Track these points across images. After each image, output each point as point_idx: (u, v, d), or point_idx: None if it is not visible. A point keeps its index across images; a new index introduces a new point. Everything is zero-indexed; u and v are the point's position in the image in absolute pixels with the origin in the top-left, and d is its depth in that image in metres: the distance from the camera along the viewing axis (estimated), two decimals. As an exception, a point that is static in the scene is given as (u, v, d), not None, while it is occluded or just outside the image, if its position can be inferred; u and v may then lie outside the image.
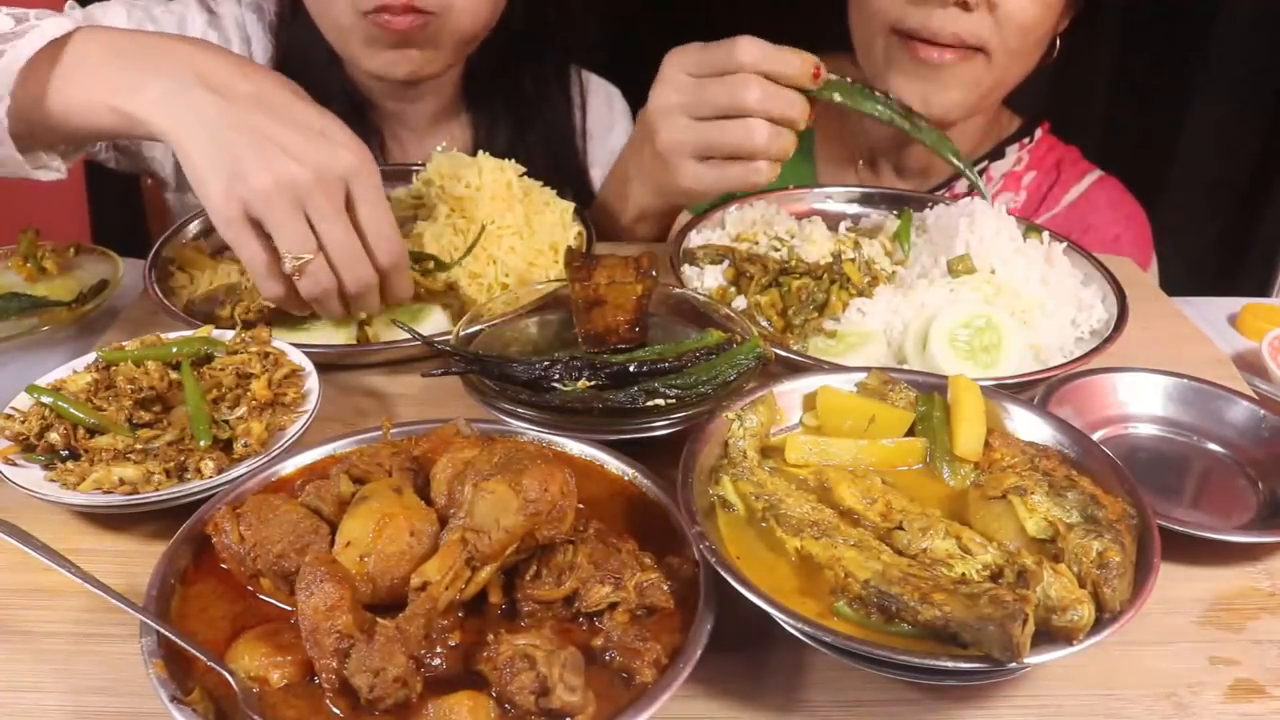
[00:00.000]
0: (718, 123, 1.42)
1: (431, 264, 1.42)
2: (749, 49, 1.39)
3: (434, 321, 1.37)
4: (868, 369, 1.12)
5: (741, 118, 1.40)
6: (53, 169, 1.25)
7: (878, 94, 1.50)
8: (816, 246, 1.49)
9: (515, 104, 1.99)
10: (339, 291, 1.22)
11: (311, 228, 1.15)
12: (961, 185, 1.94)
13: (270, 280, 1.20)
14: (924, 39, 1.65)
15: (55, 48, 1.16)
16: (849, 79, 1.48)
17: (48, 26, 1.15)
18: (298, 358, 1.19)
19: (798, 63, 1.40)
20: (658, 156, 1.50)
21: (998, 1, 1.62)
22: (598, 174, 2.18)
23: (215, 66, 1.16)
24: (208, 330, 1.22)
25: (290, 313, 1.30)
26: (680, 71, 1.44)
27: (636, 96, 2.19)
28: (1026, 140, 1.98)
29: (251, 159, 1.11)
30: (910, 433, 1.06)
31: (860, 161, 2.02)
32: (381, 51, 1.73)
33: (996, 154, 1.98)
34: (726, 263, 1.48)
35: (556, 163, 1.98)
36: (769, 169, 1.44)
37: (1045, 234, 1.51)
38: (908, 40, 1.67)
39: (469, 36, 1.79)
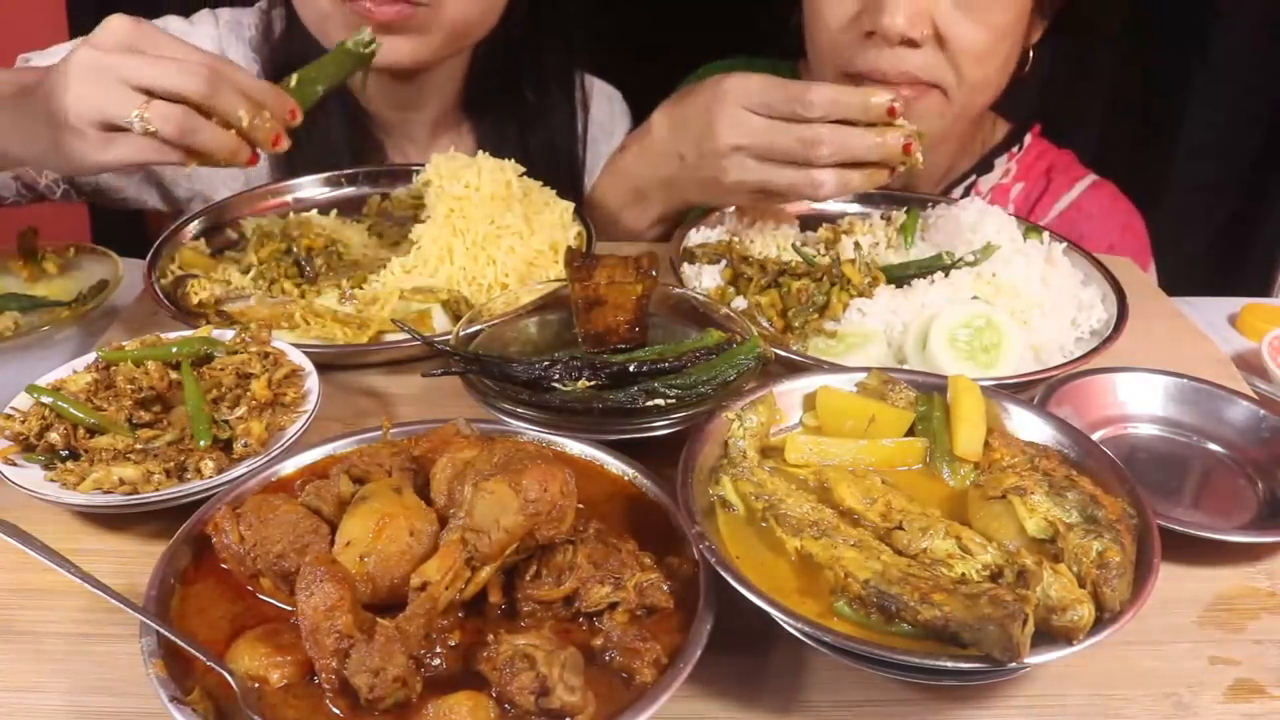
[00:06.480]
0: (784, 168, 1.41)
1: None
2: (822, 94, 1.37)
3: (434, 321, 1.37)
4: (868, 369, 1.12)
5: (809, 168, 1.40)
6: None
7: None
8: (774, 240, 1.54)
9: (519, 112, 1.94)
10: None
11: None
12: (954, 195, 1.92)
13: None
14: (875, 80, 1.59)
15: None
16: None
17: None
18: (298, 358, 1.19)
19: (871, 103, 1.37)
20: (712, 184, 1.50)
21: (946, 36, 1.56)
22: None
23: None
24: (208, 330, 1.22)
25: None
26: (744, 109, 1.42)
27: (635, 96, 2.19)
28: (1015, 149, 1.92)
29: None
30: (910, 433, 1.06)
31: None
32: None
33: (984, 167, 1.91)
34: (725, 263, 1.48)
35: (555, 169, 1.93)
36: (833, 190, 1.43)
37: (1045, 234, 1.51)
38: (861, 83, 1.60)
39: (463, 31, 1.72)
